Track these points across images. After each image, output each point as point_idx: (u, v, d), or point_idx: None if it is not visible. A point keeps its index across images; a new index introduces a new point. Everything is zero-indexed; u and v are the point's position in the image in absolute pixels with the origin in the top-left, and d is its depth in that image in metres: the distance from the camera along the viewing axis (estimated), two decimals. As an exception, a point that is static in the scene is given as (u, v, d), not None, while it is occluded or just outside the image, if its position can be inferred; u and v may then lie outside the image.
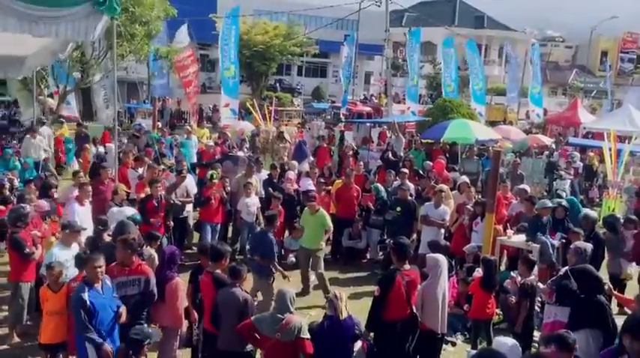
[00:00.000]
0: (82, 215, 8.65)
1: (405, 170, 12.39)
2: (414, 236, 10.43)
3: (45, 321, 6.36)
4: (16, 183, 11.68)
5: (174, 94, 29.44)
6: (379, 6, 27.98)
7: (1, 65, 14.45)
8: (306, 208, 9.76)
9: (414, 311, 6.53)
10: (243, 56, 31.37)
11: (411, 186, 11.72)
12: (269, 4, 38.85)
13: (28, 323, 7.39)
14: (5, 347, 7.23)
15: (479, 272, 7.74)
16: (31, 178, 11.54)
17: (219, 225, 10.56)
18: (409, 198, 10.69)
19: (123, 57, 18.07)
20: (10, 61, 14.28)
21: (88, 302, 5.59)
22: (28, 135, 14.98)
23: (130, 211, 8.46)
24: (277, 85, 36.25)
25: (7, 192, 10.58)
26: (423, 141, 18.34)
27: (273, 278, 8.22)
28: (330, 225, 9.52)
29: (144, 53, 19.99)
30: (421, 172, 13.52)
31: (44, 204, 8.81)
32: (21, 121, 22.54)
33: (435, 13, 49.77)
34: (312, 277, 9.58)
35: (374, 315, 6.40)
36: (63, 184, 15.22)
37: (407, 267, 6.53)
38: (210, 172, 10.57)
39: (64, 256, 6.85)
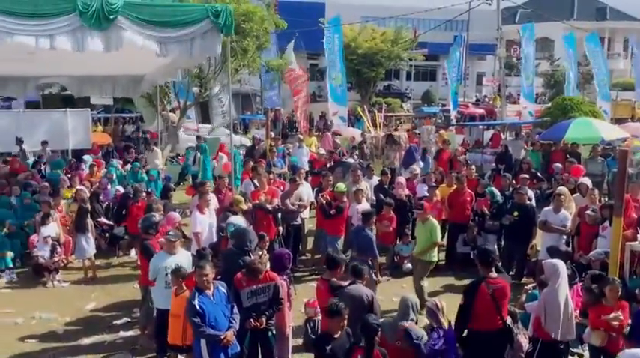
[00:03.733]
0: (204, 223, 9.14)
1: (526, 175, 11.87)
2: (534, 242, 9.98)
3: (170, 322, 6.73)
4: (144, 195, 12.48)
5: (285, 105, 30.27)
6: (490, 4, 27.20)
7: (125, 84, 15.74)
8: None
9: (507, 322, 6.21)
10: (351, 63, 31.62)
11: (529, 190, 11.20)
12: (376, 9, 38.91)
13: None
14: (137, 346, 7.75)
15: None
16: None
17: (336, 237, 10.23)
18: (527, 202, 10.23)
19: (237, 70, 18.92)
20: (134, 79, 15.45)
21: (197, 307, 5.91)
22: (147, 150, 16.09)
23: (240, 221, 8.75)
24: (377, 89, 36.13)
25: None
26: (541, 142, 17.49)
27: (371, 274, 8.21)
28: (438, 238, 9.11)
29: (255, 66, 20.83)
30: (539, 175, 12.89)
31: (175, 216, 9.35)
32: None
33: (552, 7, 47.32)
34: (426, 283, 9.32)
35: (459, 325, 6.17)
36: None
37: (493, 275, 6.20)
38: (338, 184, 10.68)
39: (168, 263, 7.06)
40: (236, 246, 7.13)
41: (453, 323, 5.98)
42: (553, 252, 8.48)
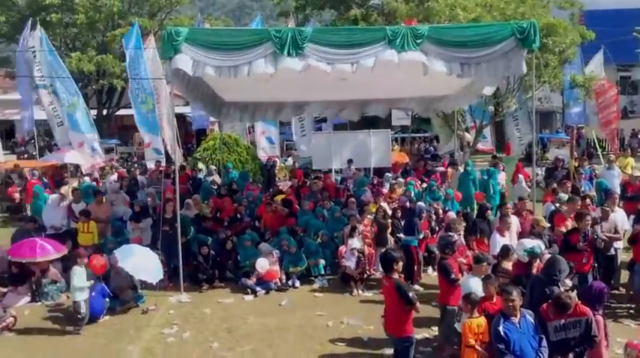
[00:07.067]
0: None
1: None
2: None
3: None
4: (440, 212, 12.70)
5: (590, 122, 27.83)
6: None
7: (429, 103, 16.28)
8: None
9: None
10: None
11: None
12: None
13: (455, 347, 7.79)
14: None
15: None
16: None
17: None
18: None
19: (537, 87, 18.07)
20: (438, 99, 15.88)
21: (501, 333, 5.70)
22: (451, 169, 16.26)
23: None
24: None
25: (434, 223, 11.63)
26: None
27: None
28: None
29: (558, 82, 19.62)
30: None
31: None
32: (440, 155, 24.69)
33: None
34: None
35: None
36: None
37: None
38: None
39: (478, 286, 6.98)
40: (544, 274, 6.69)
41: None
42: None
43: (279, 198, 14.40)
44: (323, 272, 11.67)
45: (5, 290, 10.66)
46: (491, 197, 13.96)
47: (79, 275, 9.32)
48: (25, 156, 29.37)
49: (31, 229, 11.88)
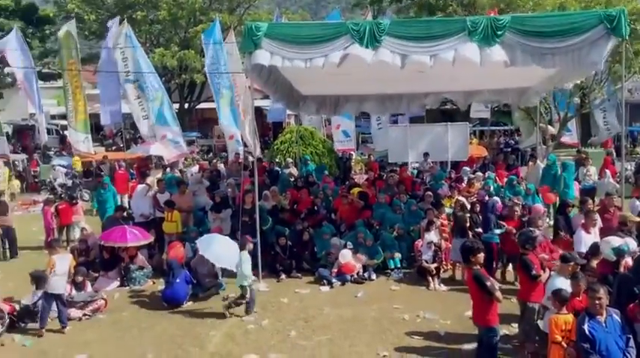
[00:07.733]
0: (589, 242, 8.49)
1: None
2: None
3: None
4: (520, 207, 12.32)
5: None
6: None
7: (510, 95, 15.86)
8: None
9: None
10: None
11: None
12: None
13: (535, 345, 7.59)
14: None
15: None
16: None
17: None
18: None
19: (627, 78, 17.19)
20: (520, 91, 15.44)
21: (586, 332, 5.56)
22: (530, 163, 15.80)
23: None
24: None
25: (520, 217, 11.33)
26: None
27: None
28: None
29: (649, 71, 18.55)
30: None
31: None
32: (521, 149, 23.95)
33: None
34: None
35: None
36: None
37: None
38: None
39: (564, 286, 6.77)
40: (633, 272, 6.42)
41: None
42: None
43: (355, 190, 14.45)
44: (399, 265, 11.64)
45: (97, 274, 11.31)
46: (564, 192, 13.40)
47: (246, 261, 9.55)
48: (113, 148, 30.85)
49: (119, 217, 12.55)
